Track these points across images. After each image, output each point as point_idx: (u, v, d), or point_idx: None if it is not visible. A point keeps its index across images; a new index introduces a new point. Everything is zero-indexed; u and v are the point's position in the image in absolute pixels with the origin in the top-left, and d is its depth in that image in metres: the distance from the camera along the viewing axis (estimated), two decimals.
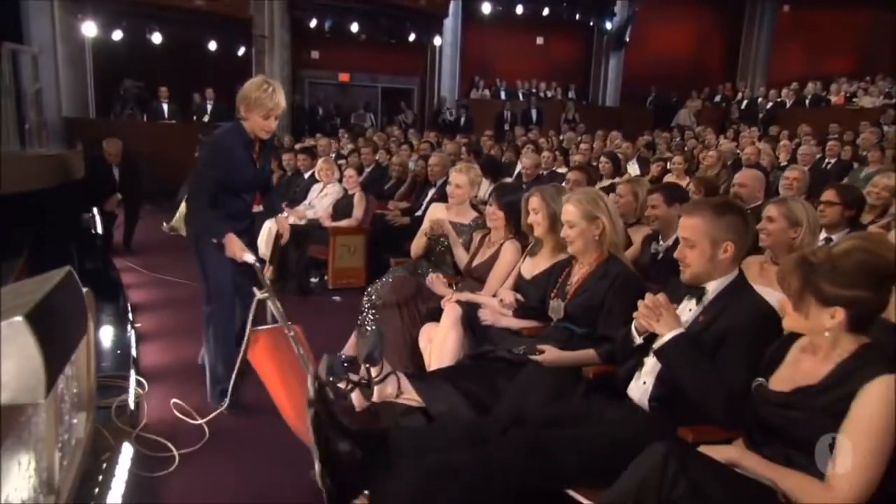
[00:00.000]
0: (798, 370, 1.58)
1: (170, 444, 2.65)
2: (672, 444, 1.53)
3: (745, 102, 13.28)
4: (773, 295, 1.92)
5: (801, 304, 1.52)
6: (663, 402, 1.91)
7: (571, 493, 1.81)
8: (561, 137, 10.63)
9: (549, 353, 2.28)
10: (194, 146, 8.34)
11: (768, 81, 14.52)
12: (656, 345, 1.88)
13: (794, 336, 1.66)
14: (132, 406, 2.88)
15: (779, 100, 12.93)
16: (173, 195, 8.49)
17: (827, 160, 7.38)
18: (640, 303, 1.92)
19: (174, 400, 2.98)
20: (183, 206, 7.52)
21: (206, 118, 11.00)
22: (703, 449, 1.62)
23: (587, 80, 15.31)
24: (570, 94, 14.52)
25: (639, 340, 2.02)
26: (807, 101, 12.68)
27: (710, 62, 15.77)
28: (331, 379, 1.95)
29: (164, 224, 7.55)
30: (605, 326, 2.33)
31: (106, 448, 2.47)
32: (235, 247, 2.77)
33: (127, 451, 2.47)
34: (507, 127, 12.53)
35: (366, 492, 1.84)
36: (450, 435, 1.94)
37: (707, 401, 1.77)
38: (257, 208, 3.26)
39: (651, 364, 1.97)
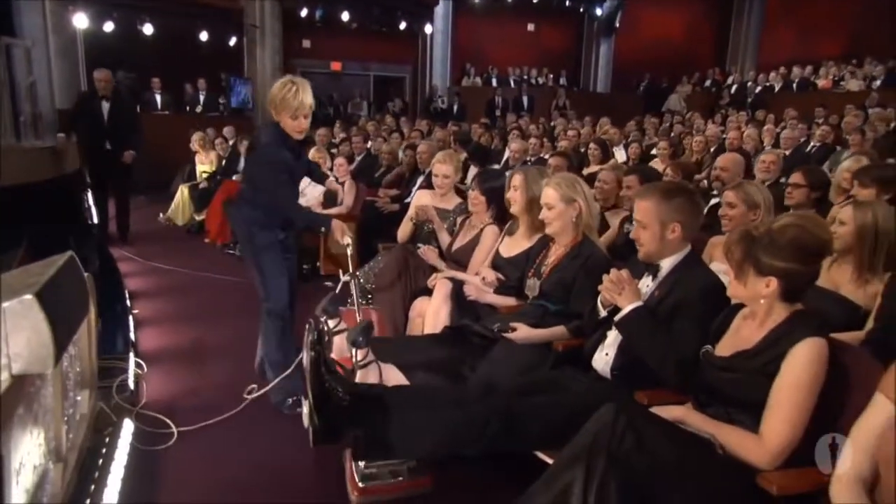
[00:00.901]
0: (738, 337, 1.74)
1: (169, 421, 2.80)
2: (623, 404, 1.68)
3: (734, 87, 13.39)
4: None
5: (741, 274, 1.68)
6: (623, 371, 2.07)
7: (538, 454, 1.97)
8: (552, 124, 10.75)
9: (521, 331, 2.44)
10: (187, 137, 8.45)
11: (758, 66, 14.62)
12: (618, 317, 2.04)
13: (739, 307, 1.82)
14: (132, 386, 3.03)
15: (767, 84, 13.05)
16: (167, 186, 8.61)
17: (812, 144, 7.51)
18: (604, 277, 2.08)
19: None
20: (178, 196, 7.66)
21: (198, 108, 11.07)
22: (653, 409, 1.78)
23: (578, 66, 15.40)
24: (562, 81, 14.61)
25: (603, 313, 2.17)
26: (794, 86, 12.79)
27: (701, 47, 15.84)
28: (326, 313, 2.13)
29: (161, 215, 7.70)
30: (576, 303, 2.48)
31: (108, 424, 2.62)
32: (339, 230, 2.86)
33: (128, 427, 2.62)
34: (498, 114, 12.63)
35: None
36: (430, 396, 2.10)
37: (661, 367, 1.93)
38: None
39: (613, 336, 2.13)
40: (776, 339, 1.63)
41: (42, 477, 1.89)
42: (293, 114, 2.77)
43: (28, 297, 1.53)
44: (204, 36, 11.64)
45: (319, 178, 3.33)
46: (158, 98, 10.80)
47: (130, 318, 3.96)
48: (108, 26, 10.68)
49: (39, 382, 1.86)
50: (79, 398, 2.47)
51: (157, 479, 2.48)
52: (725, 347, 1.76)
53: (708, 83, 14.35)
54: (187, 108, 11.15)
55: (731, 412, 1.69)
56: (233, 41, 12.05)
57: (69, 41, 10.36)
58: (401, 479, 2.14)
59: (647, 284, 2.13)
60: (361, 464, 2.12)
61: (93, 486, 2.21)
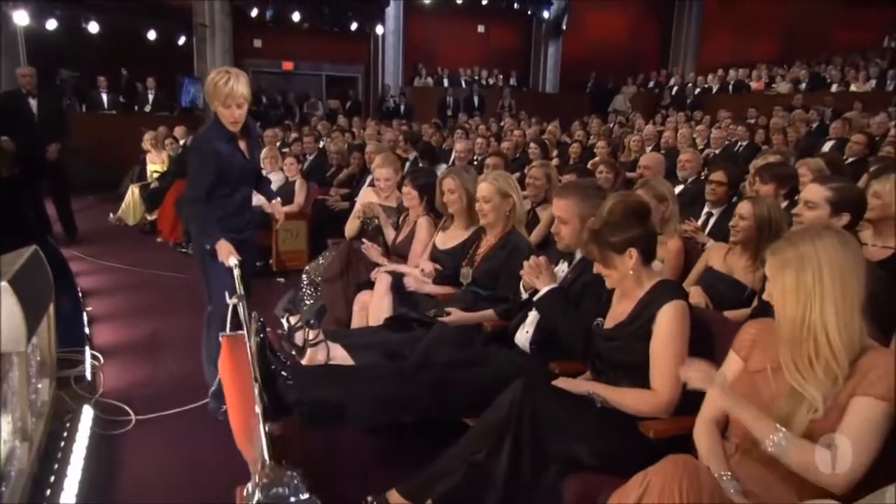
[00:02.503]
0: (617, 311, 2.06)
1: (127, 408, 2.96)
2: (528, 379, 1.95)
3: (675, 88, 14.00)
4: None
5: (608, 264, 1.99)
6: (540, 345, 2.36)
7: (466, 420, 2.23)
8: (502, 123, 11.08)
9: (455, 315, 2.70)
10: (137, 136, 8.42)
11: (698, 68, 15.30)
12: (536, 297, 2.32)
13: None
14: (89, 377, 3.17)
15: (706, 86, 13.70)
16: (116, 186, 8.58)
17: (738, 143, 8.02)
18: (525, 263, 2.35)
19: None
20: (129, 196, 7.66)
21: (147, 108, 10.99)
22: (556, 382, 2.06)
23: (527, 67, 15.80)
24: (512, 81, 14.97)
25: (525, 295, 2.45)
26: (730, 87, 13.48)
27: (645, 50, 16.45)
28: (287, 312, 2.32)
29: (111, 215, 7.69)
30: (503, 289, 2.76)
31: (68, 411, 2.77)
32: (224, 252, 2.76)
33: (87, 413, 2.77)
34: (450, 113, 12.90)
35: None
36: (370, 370, 2.33)
37: (571, 341, 2.21)
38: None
39: (532, 316, 2.42)
40: (644, 307, 1.95)
41: (10, 453, 2.06)
42: (224, 102, 2.70)
43: (3, 284, 1.72)
44: (152, 35, 11.54)
45: (265, 191, 3.22)
46: (105, 97, 10.67)
47: (84, 314, 4.07)
48: (51, 24, 10.49)
49: (7, 366, 2.02)
50: (40, 386, 2.62)
51: (117, 461, 2.63)
52: (610, 320, 2.07)
53: (651, 84, 14.95)
54: (135, 107, 11.04)
55: (616, 376, 2.00)
56: (182, 40, 11.99)
57: (10, 39, 10.16)
58: None
59: (562, 269, 2.42)
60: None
61: (56, 465, 2.37)
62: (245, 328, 2.36)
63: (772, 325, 1.67)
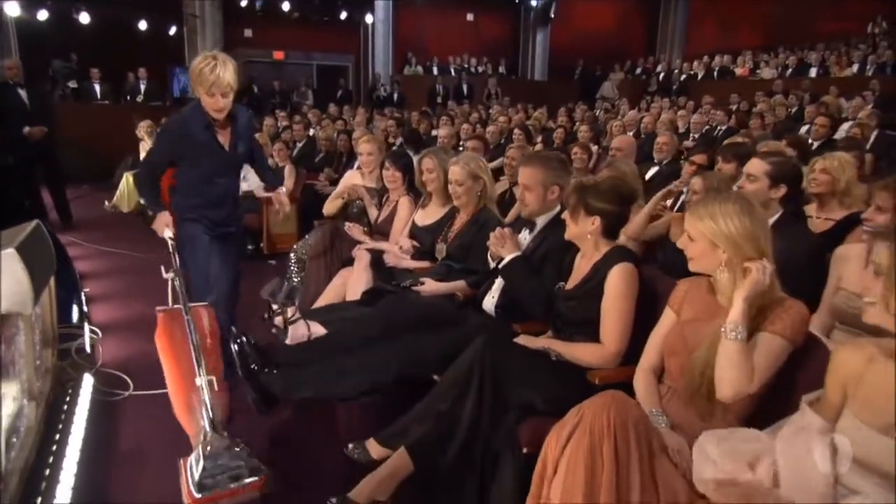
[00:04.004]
0: (576, 273, 2.26)
1: (126, 377, 3.15)
2: (490, 336, 2.16)
3: (661, 75, 14.18)
4: None
5: (575, 215, 2.20)
6: (504, 309, 2.56)
7: (435, 377, 2.44)
8: (490, 110, 11.25)
9: (428, 285, 2.90)
10: (129, 126, 8.56)
11: (685, 55, 15.48)
12: (501, 264, 2.52)
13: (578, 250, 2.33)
14: (88, 349, 3.36)
15: (692, 72, 13.87)
16: (110, 175, 8.72)
17: (719, 127, 8.22)
18: (491, 234, 2.55)
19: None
20: (123, 184, 7.82)
21: (139, 98, 11.11)
22: (517, 339, 2.27)
23: (516, 55, 15.95)
24: (501, 69, 15.12)
25: (493, 264, 2.65)
26: (715, 73, 13.66)
27: (633, 37, 16.61)
28: (272, 296, 2.50)
29: (106, 203, 7.85)
30: (474, 262, 2.95)
31: (69, 378, 2.97)
32: (160, 223, 2.79)
33: (88, 381, 2.97)
34: (439, 101, 13.06)
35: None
36: (344, 342, 2.51)
37: (533, 303, 2.42)
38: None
39: (498, 283, 2.62)
40: (598, 269, 2.16)
41: (19, 410, 2.26)
42: (209, 89, 2.64)
43: (10, 250, 1.91)
44: (143, 25, 11.65)
45: (266, 179, 3.25)
46: (98, 87, 10.79)
47: (83, 294, 4.25)
48: (42, 14, 10.60)
49: (14, 329, 2.22)
50: (42, 354, 2.81)
51: (116, 425, 2.81)
52: (570, 283, 2.27)
53: (639, 71, 15.11)
54: (128, 97, 11.17)
55: (572, 332, 2.21)
56: (173, 31, 12.09)
57: (1, 30, 10.26)
58: (240, 483, 2.00)
59: (525, 238, 2.62)
60: (197, 472, 2.01)
61: (60, 425, 2.57)
62: (182, 302, 2.43)
63: (699, 282, 1.88)
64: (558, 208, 2.60)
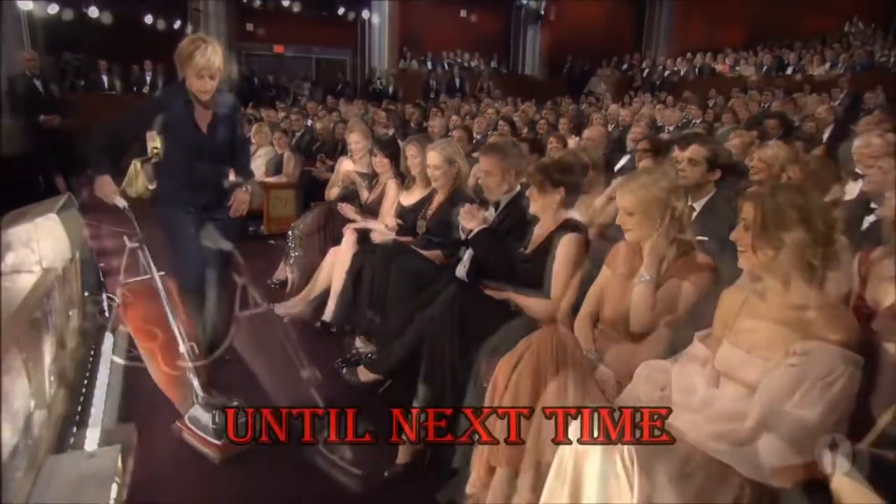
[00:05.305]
0: (534, 240, 2.66)
1: None
2: (463, 283, 2.55)
3: (646, 71, 14.56)
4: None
5: (542, 190, 2.58)
6: (474, 274, 2.95)
7: None
8: (482, 104, 11.62)
9: None
10: None
11: (670, 52, 15.81)
12: (470, 236, 2.90)
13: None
14: (107, 314, 3.74)
15: (675, 69, 14.26)
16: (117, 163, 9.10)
17: (693, 121, 8.61)
18: (461, 210, 2.93)
19: None
20: (131, 170, 8.20)
21: (145, 89, 11.49)
22: (485, 290, 2.67)
23: (509, 50, 16.31)
24: (493, 64, 15.49)
25: (463, 237, 3.04)
26: (697, 70, 14.06)
27: (621, 33, 16.93)
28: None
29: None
30: (448, 236, 3.34)
31: (94, 335, 3.35)
32: (103, 188, 2.64)
33: (109, 339, 3.35)
34: (433, 95, 13.43)
35: None
36: None
37: (498, 267, 2.79)
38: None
39: (468, 253, 3.01)
40: (551, 237, 2.55)
41: (54, 356, 2.64)
42: (198, 72, 2.61)
43: (52, 214, 2.30)
44: (149, 19, 12.03)
45: (240, 170, 3.13)
46: (106, 79, 11.17)
47: (98, 267, 4.62)
48: (53, 8, 10.96)
49: (52, 286, 2.60)
50: (71, 314, 3.20)
51: (136, 377, 3.18)
52: (529, 249, 2.67)
53: (625, 67, 15.47)
54: (135, 88, 11.55)
55: (528, 291, 2.60)
56: (177, 24, 12.45)
57: (13, 23, 10.59)
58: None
59: (491, 213, 3.01)
60: (210, 424, 2.34)
61: (87, 373, 2.97)
62: (151, 271, 2.46)
63: (631, 245, 2.27)
64: (518, 188, 2.98)
